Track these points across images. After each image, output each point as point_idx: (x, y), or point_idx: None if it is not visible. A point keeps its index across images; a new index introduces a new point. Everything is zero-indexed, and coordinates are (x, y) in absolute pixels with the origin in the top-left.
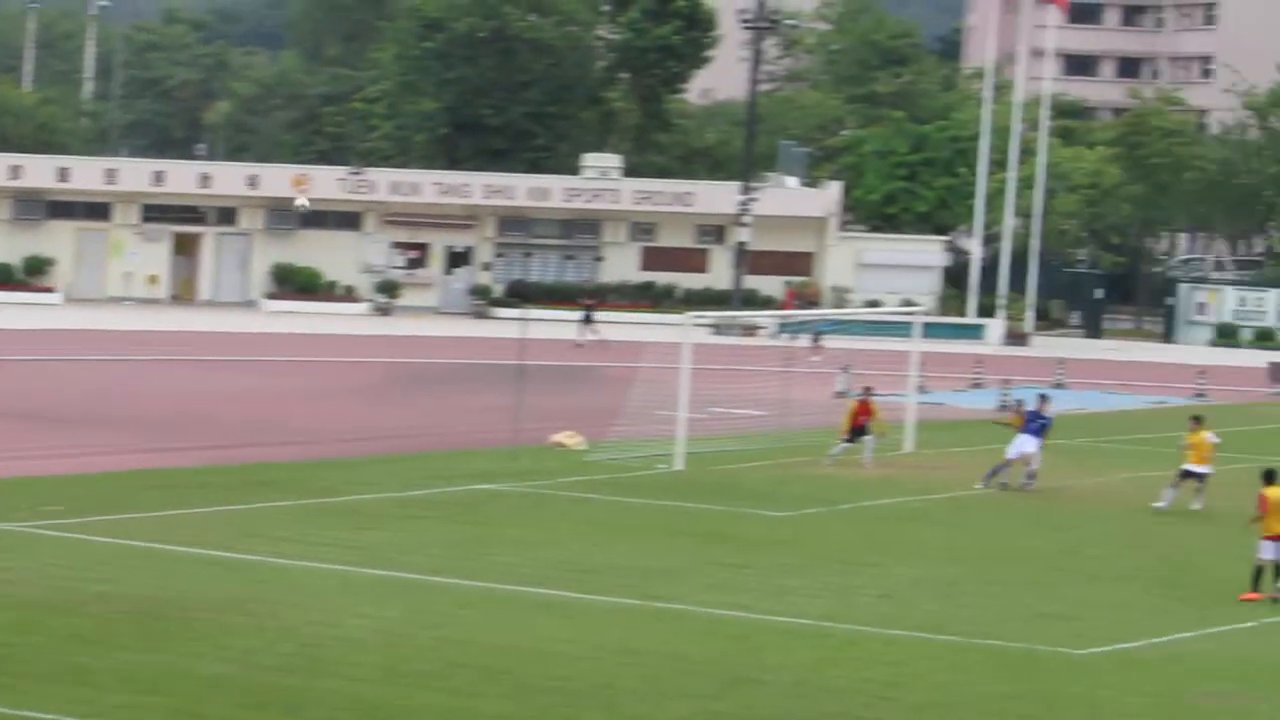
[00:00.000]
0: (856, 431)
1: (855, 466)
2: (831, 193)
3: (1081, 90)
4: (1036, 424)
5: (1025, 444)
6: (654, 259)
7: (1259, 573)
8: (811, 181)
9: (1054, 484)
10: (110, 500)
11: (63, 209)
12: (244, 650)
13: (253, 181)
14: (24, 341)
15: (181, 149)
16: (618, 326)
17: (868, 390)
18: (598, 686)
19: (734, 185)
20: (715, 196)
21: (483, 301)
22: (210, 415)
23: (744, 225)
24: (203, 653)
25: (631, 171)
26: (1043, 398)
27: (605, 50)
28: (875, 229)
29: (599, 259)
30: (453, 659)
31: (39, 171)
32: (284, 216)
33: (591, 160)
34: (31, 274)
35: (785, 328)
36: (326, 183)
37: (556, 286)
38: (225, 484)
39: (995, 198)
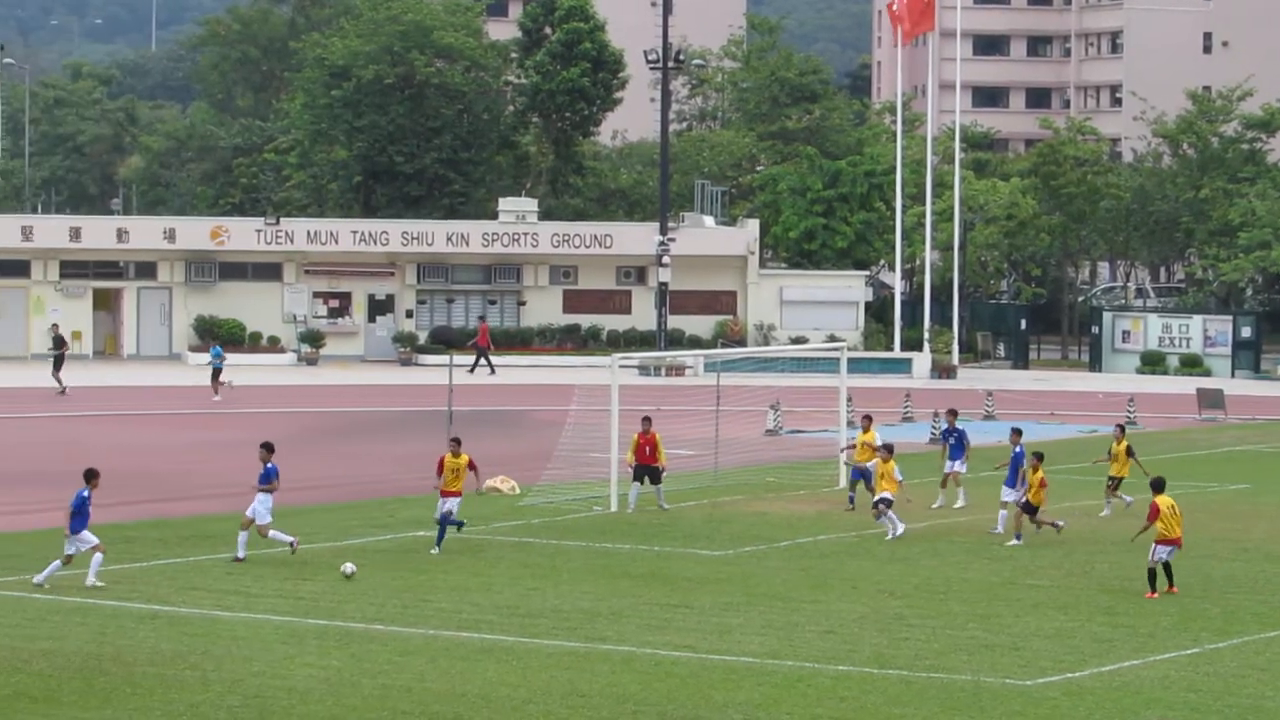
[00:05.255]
0: (644, 469)
1: (794, 502)
2: (750, 230)
3: (992, 122)
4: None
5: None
6: (576, 301)
7: (1153, 574)
8: (729, 220)
9: (989, 515)
10: (45, 557)
11: None
12: (191, 705)
13: (170, 235)
14: None
15: (96, 204)
16: (544, 370)
17: (647, 421)
18: None
19: (652, 226)
20: (634, 237)
21: (407, 349)
22: (141, 469)
23: (664, 265)
24: (150, 708)
25: (548, 215)
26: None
27: (515, 94)
28: (795, 265)
29: (521, 303)
30: (399, 707)
31: None
32: (203, 268)
33: (508, 204)
34: None
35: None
36: (244, 233)
37: None
38: (160, 538)
39: (913, 231)
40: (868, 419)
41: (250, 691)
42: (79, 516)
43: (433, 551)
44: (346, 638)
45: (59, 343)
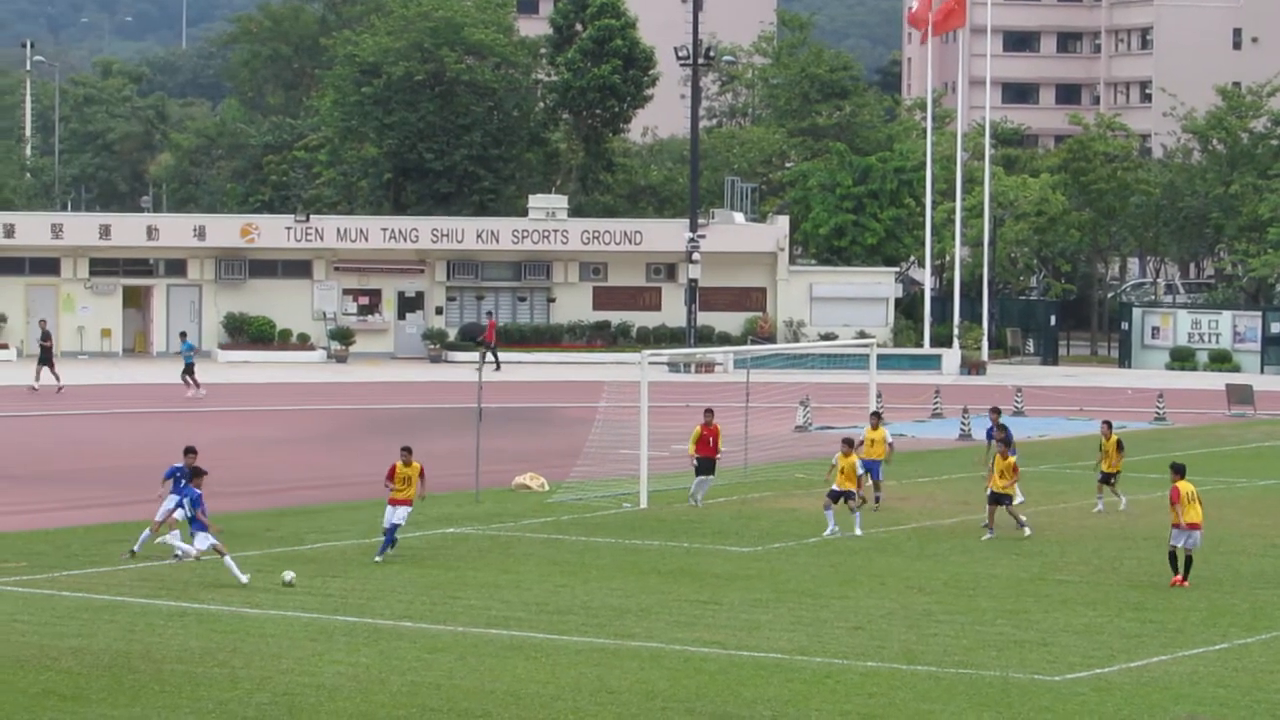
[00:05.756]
0: (705, 461)
1: (824, 499)
2: (780, 227)
3: (1022, 118)
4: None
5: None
6: (606, 298)
7: (1173, 557)
8: (759, 216)
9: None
10: (75, 555)
11: (10, 265)
12: (219, 702)
13: (200, 232)
14: None
15: (126, 202)
16: (574, 367)
17: (710, 413)
18: None
19: (682, 222)
20: (664, 234)
21: (437, 346)
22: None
23: (694, 262)
24: (178, 705)
25: (578, 211)
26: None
27: (545, 91)
28: (825, 262)
29: (551, 300)
30: (427, 704)
31: None
32: (233, 266)
33: (538, 201)
34: None
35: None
36: (274, 231)
37: (510, 328)
38: (189, 535)
39: (943, 228)
40: (876, 416)
41: (279, 689)
42: (196, 518)
43: (375, 559)
44: (375, 635)
45: (45, 337)
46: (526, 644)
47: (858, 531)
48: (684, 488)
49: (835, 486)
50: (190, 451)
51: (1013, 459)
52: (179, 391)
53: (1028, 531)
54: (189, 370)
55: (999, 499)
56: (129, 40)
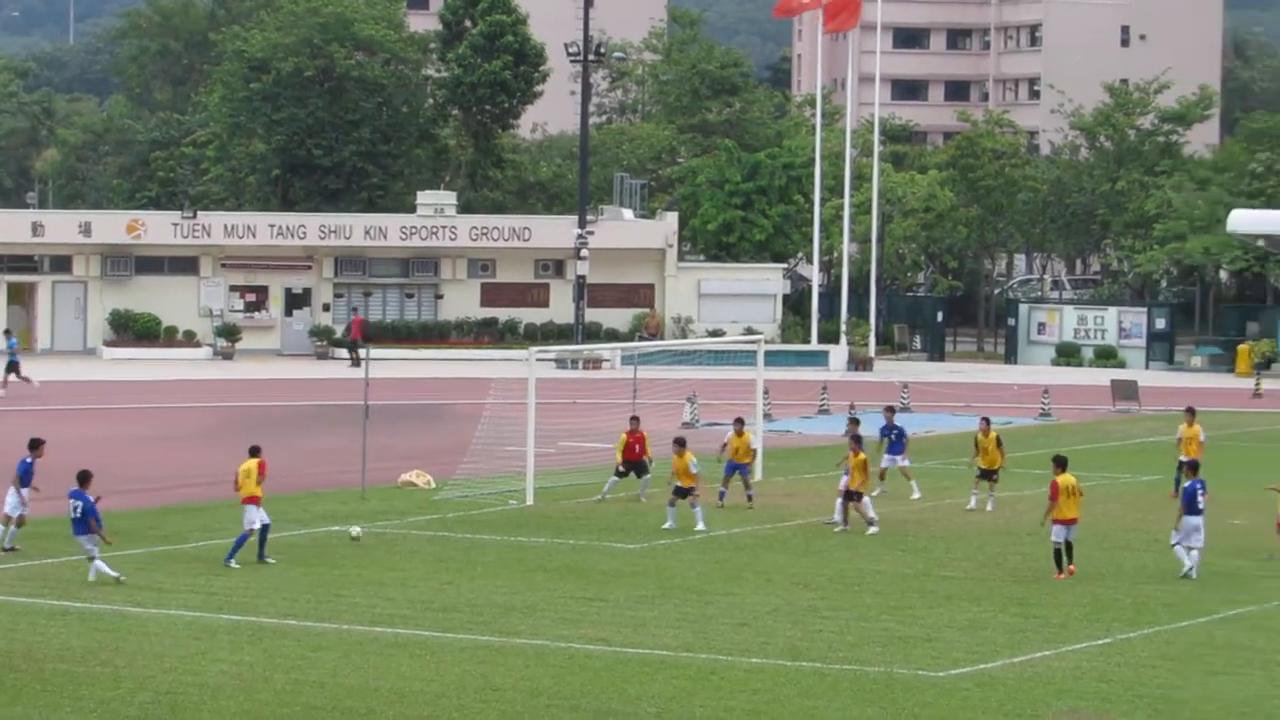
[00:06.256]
0: (631, 465)
1: (709, 495)
2: (669, 223)
3: (911, 114)
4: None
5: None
6: (494, 295)
7: (1059, 554)
8: (648, 213)
9: (905, 507)
10: None
11: None
12: (101, 701)
13: (86, 228)
14: None
15: (12, 198)
16: (462, 364)
17: (635, 420)
18: None
19: (570, 219)
20: (552, 230)
21: (324, 343)
22: (51, 465)
23: (583, 259)
24: (59, 705)
25: (467, 208)
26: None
27: (435, 87)
28: (714, 258)
29: (439, 296)
30: (311, 702)
31: None
32: (119, 262)
33: (426, 198)
34: None
35: None
36: (160, 227)
37: (398, 325)
38: (70, 534)
39: (831, 224)
40: (740, 422)
41: (161, 688)
42: (80, 521)
43: (270, 561)
44: (259, 633)
45: None
46: (411, 642)
47: (700, 526)
48: (572, 484)
49: (679, 484)
50: (35, 445)
51: (863, 456)
52: (57, 389)
53: (840, 528)
54: (13, 368)
55: (851, 495)
56: (15, 35)
